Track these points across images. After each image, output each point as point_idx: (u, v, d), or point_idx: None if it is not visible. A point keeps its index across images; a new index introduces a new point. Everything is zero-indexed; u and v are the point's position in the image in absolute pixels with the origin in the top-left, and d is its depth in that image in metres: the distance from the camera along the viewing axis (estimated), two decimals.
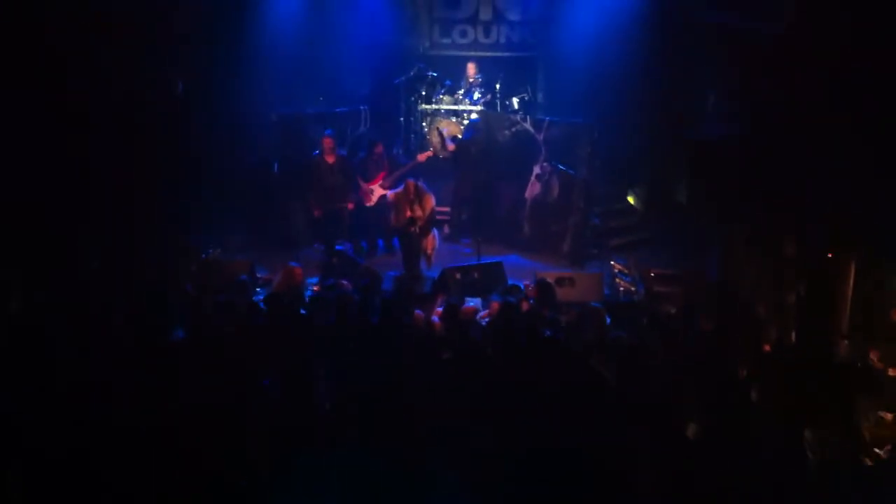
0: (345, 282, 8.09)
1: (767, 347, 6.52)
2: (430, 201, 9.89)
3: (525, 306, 7.50)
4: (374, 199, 10.84)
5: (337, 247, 10.05)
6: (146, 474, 4.72)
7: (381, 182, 10.80)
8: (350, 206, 10.66)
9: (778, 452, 4.92)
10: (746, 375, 5.89)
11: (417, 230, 9.78)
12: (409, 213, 9.76)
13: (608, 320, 6.96)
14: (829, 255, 8.18)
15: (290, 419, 5.32)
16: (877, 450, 5.45)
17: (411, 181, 9.92)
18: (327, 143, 10.63)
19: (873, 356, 6.53)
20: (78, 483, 4.66)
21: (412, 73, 12.57)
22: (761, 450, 4.91)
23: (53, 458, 4.73)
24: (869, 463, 5.16)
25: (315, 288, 8.61)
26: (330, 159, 10.64)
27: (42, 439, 4.81)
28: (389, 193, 10.14)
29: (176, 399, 5.26)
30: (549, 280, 8.33)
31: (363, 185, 10.83)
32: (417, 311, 7.25)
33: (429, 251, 9.99)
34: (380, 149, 10.98)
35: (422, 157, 11.01)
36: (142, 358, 5.72)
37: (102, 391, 5.27)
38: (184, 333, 6.26)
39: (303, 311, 7.17)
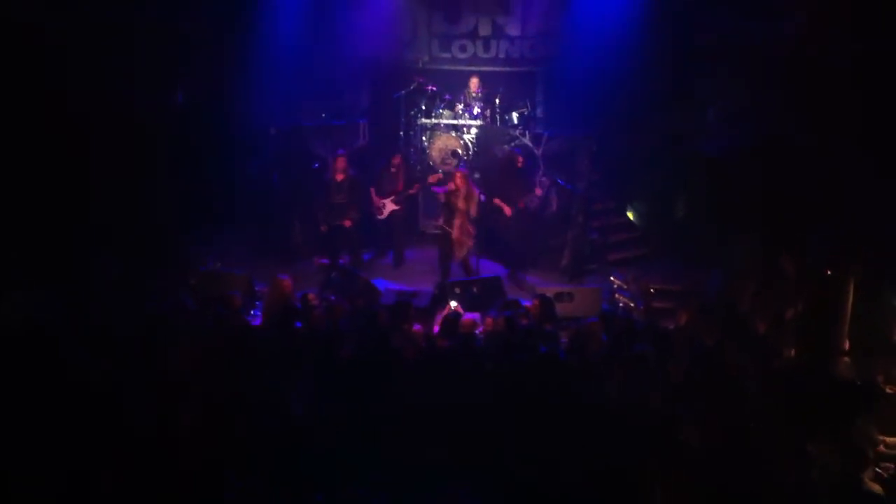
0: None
1: (775, 365, 6.51)
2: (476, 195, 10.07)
3: (524, 321, 7.49)
4: (386, 213, 10.89)
5: (339, 261, 10.08)
6: (145, 480, 4.72)
7: (393, 198, 10.82)
8: (348, 223, 10.59)
9: (780, 468, 4.90)
10: (747, 391, 5.87)
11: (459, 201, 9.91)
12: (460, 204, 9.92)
13: (604, 337, 6.97)
14: (829, 272, 8.18)
15: (280, 430, 5.30)
16: (878, 469, 5.43)
17: (460, 172, 10.09)
18: (340, 163, 10.59)
19: (880, 378, 6.52)
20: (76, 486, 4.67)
21: (412, 88, 12.59)
22: (763, 465, 4.89)
23: (57, 460, 4.73)
24: (870, 483, 5.13)
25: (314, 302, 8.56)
26: (339, 177, 10.59)
27: (47, 442, 4.81)
28: (440, 192, 10.22)
29: (176, 409, 5.26)
30: (549, 295, 8.32)
31: (375, 199, 10.85)
32: (416, 327, 7.25)
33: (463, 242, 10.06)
34: (398, 160, 10.98)
35: (432, 178, 11.13)
36: (142, 369, 5.71)
37: (103, 400, 5.27)
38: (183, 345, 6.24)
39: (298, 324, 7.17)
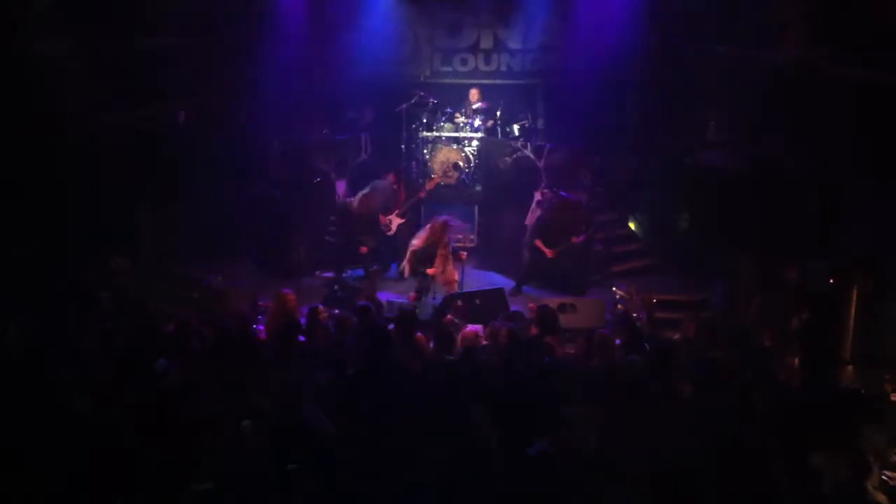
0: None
1: (783, 377, 6.49)
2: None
3: (532, 331, 7.48)
4: (394, 228, 10.99)
5: (343, 274, 10.10)
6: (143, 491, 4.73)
7: (397, 212, 10.96)
8: (364, 250, 10.81)
9: (787, 478, 4.88)
10: (751, 402, 5.85)
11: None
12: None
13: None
14: (831, 282, 8.17)
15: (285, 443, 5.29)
16: (885, 476, 5.39)
17: (439, 223, 9.82)
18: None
19: (886, 388, 6.50)
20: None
21: (413, 101, 12.64)
22: (771, 476, 4.87)
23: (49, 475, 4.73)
24: (875, 492, 5.10)
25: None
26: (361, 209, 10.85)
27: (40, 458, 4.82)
28: (415, 241, 9.91)
29: (174, 426, 5.26)
30: (552, 306, 8.30)
31: (381, 218, 10.97)
32: (420, 334, 7.21)
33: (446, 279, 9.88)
34: (392, 177, 11.13)
35: (430, 185, 11.20)
36: (136, 384, 5.73)
37: (100, 413, 5.28)
38: (181, 361, 6.24)
39: (301, 338, 7.16)
